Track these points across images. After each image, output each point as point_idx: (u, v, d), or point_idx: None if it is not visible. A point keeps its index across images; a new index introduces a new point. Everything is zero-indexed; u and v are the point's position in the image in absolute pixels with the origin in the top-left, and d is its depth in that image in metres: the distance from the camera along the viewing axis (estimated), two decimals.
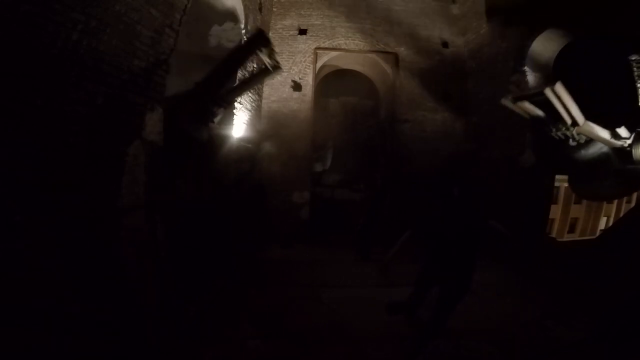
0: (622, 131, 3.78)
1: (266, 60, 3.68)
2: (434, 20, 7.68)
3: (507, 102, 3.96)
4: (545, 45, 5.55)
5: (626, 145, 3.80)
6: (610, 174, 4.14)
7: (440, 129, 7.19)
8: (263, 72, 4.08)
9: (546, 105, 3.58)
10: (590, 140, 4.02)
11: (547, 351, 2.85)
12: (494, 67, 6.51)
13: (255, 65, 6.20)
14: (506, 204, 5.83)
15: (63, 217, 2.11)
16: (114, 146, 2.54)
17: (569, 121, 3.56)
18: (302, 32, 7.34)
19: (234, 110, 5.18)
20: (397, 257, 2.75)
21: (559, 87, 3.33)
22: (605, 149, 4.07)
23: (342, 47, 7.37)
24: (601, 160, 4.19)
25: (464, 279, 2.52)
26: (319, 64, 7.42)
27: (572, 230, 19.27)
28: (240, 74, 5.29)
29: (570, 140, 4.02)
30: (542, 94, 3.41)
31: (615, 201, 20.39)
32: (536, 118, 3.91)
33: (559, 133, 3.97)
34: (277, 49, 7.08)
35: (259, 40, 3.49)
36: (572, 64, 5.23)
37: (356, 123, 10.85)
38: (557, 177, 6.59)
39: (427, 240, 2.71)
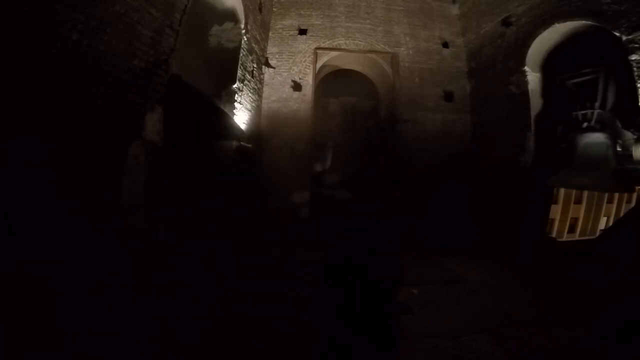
0: None
1: None
2: (434, 20, 7.69)
3: None
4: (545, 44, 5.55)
5: None
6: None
7: (440, 129, 7.19)
8: None
9: None
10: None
11: (547, 351, 2.85)
12: (494, 67, 6.51)
13: (255, 65, 6.20)
14: (506, 204, 5.85)
15: (63, 217, 2.11)
16: (114, 146, 2.55)
17: None
18: (302, 32, 7.34)
19: (234, 110, 5.18)
20: None
21: None
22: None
23: (342, 47, 7.36)
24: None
25: None
26: (319, 64, 7.42)
27: (572, 230, 19.26)
28: (240, 73, 5.30)
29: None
30: None
31: (616, 201, 20.40)
32: None
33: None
34: (277, 49, 7.17)
35: None
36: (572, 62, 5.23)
37: (356, 123, 10.83)
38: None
39: None
